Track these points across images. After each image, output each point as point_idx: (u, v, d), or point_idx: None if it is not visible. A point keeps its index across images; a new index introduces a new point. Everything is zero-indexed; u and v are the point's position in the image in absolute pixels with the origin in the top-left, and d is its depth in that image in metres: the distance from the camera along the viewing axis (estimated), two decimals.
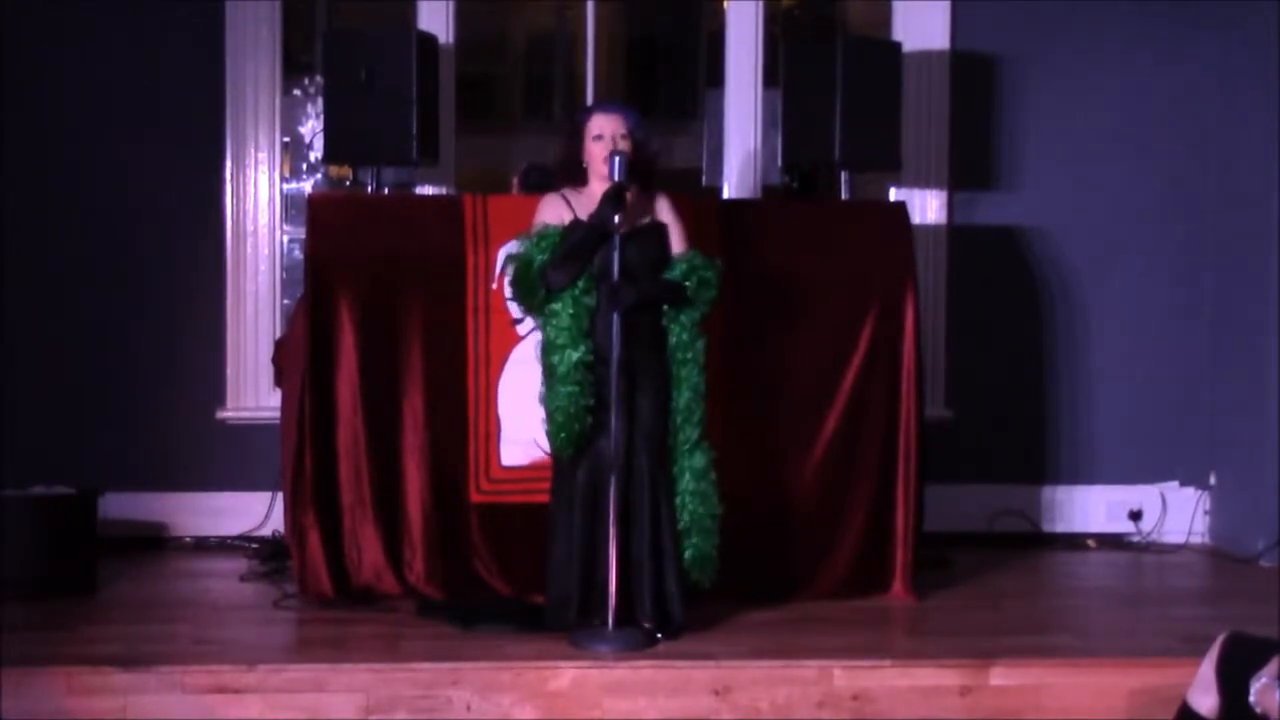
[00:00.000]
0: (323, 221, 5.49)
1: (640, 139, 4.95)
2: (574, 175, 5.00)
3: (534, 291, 4.85)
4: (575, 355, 4.79)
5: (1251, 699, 3.76)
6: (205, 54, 6.48)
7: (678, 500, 4.90)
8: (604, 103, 5.16)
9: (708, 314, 4.96)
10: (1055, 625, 5.33)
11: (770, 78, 6.65)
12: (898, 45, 6.41)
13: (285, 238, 6.60)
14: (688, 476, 4.90)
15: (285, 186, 6.71)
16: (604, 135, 4.90)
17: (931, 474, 5.80)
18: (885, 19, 6.82)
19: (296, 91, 7.48)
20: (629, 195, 4.84)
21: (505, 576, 5.38)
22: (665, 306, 4.90)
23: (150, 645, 4.71)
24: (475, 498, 5.45)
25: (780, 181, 6.70)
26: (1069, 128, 6.79)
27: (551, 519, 4.99)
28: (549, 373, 4.85)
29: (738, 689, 4.53)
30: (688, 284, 4.88)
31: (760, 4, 6.75)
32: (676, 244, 4.96)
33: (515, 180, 6.56)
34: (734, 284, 5.08)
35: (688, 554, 4.88)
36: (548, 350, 4.86)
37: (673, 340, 4.91)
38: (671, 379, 4.90)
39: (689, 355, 4.90)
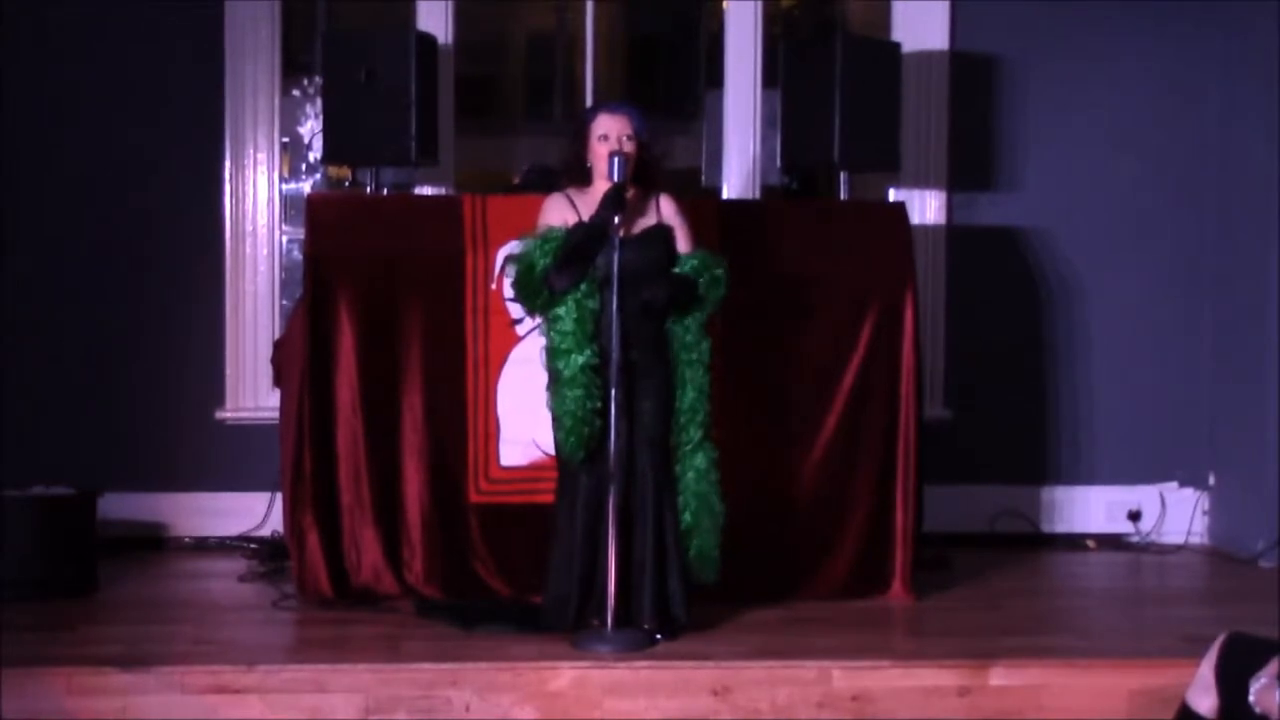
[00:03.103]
0: (322, 222, 5.49)
1: (645, 141, 4.94)
2: (578, 175, 4.99)
3: (537, 294, 4.84)
4: (580, 359, 4.78)
5: (1251, 699, 3.76)
6: (205, 54, 6.48)
7: (681, 500, 4.90)
8: (611, 103, 5.12)
9: (714, 313, 4.96)
10: (1055, 625, 5.33)
11: (770, 78, 6.65)
12: (897, 46, 6.40)
13: (284, 238, 6.60)
14: (691, 476, 4.90)
15: (284, 187, 6.71)
16: (609, 135, 4.89)
17: (931, 474, 5.80)
18: (885, 19, 6.82)
19: (296, 91, 7.48)
20: (629, 196, 4.84)
21: (504, 577, 5.38)
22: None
23: (150, 645, 4.71)
24: (474, 498, 5.45)
25: (780, 182, 6.69)
26: (1069, 128, 6.79)
27: (553, 520, 4.98)
28: (554, 377, 4.84)
29: (738, 689, 4.53)
30: (700, 280, 4.88)
31: (760, 4, 6.75)
32: (682, 244, 4.96)
33: (517, 182, 6.55)
34: (733, 284, 5.07)
35: (691, 553, 4.89)
36: (552, 355, 4.84)
37: (677, 341, 4.90)
38: (675, 379, 4.90)
39: (694, 356, 4.89)
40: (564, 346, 4.80)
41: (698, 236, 5.04)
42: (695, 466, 4.90)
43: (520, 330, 5.42)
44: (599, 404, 4.78)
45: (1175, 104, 6.83)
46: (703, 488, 4.89)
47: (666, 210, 4.99)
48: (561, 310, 4.81)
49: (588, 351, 4.79)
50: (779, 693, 4.53)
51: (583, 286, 4.81)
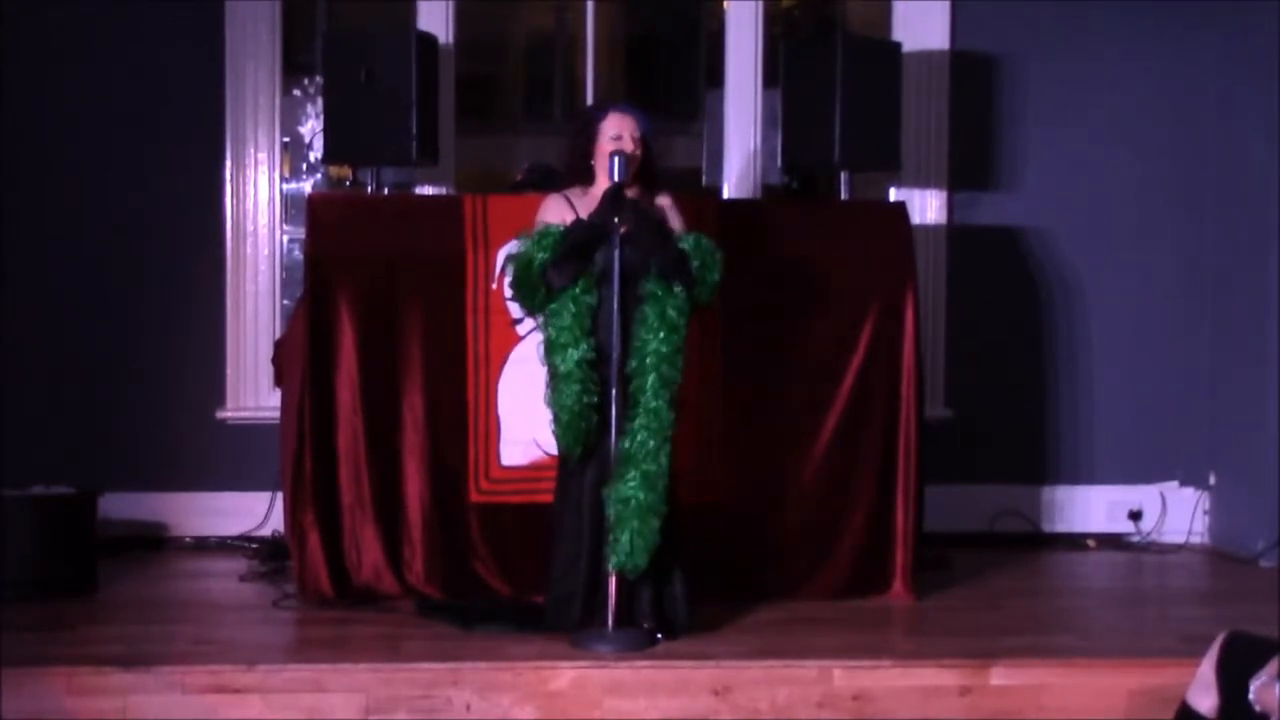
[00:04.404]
0: (323, 221, 5.49)
1: (649, 144, 4.94)
2: (582, 172, 4.99)
3: (534, 291, 4.83)
4: (577, 354, 4.77)
5: (1251, 698, 3.76)
6: (205, 54, 6.48)
7: (613, 512, 4.67)
8: (620, 104, 5.09)
9: (710, 301, 4.91)
10: (1055, 625, 5.33)
11: (770, 78, 6.65)
12: (898, 45, 6.41)
13: (285, 238, 6.61)
14: (629, 486, 4.68)
15: (285, 186, 6.71)
16: (622, 136, 4.89)
17: (931, 474, 5.80)
18: (885, 19, 6.83)
19: (296, 91, 7.48)
20: (629, 195, 4.84)
21: (504, 577, 5.38)
22: (652, 288, 4.79)
23: (150, 645, 4.71)
24: (475, 498, 5.45)
25: (780, 181, 6.69)
26: (1069, 128, 6.80)
27: (555, 519, 4.97)
28: (552, 373, 4.83)
29: (738, 689, 4.53)
30: (695, 262, 4.82)
31: (760, 4, 6.75)
32: (676, 229, 4.92)
33: (519, 179, 6.54)
34: (734, 284, 5.07)
35: (619, 542, 4.69)
36: (550, 350, 4.83)
37: (651, 323, 4.73)
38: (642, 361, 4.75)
39: (665, 335, 4.73)
40: (561, 341, 4.79)
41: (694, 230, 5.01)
42: (638, 477, 4.69)
43: (521, 330, 5.42)
44: (595, 399, 4.78)
45: (1175, 104, 6.83)
46: (639, 507, 4.67)
47: (664, 205, 4.98)
48: (558, 305, 4.80)
49: (584, 346, 4.78)
50: (779, 693, 4.53)
51: (580, 282, 4.81)
